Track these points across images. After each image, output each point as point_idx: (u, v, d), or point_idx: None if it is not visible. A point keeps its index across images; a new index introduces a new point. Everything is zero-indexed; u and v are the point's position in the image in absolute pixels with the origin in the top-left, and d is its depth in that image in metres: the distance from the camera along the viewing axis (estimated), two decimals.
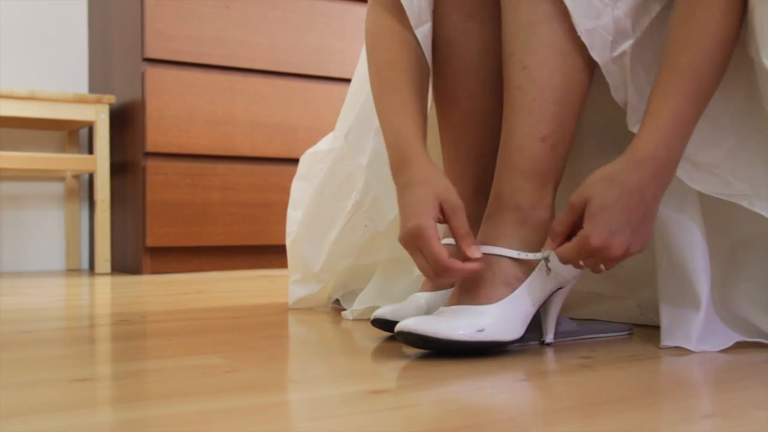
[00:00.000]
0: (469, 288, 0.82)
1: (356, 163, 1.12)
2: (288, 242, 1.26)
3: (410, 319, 0.78)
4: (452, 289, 0.93)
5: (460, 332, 0.77)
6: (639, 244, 0.78)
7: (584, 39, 0.81)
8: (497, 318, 0.79)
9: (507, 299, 0.80)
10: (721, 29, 0.79)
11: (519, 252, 0.81)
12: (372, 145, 1.09)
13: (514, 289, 0.81)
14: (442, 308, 0.82)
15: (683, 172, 0.84)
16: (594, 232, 0.76)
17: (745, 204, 0.82)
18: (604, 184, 0.77)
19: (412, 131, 0.84)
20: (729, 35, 0.80)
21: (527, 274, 0.82)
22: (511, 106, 0.84)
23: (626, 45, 0.84)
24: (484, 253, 0.82)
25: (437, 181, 0.80)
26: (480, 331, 0.77)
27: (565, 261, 0.80)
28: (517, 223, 0.83)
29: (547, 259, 0.81)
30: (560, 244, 0.80)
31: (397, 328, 0.78)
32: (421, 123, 0.86)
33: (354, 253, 1.13)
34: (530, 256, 0.81)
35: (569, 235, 0.80)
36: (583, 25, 0.81)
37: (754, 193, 0.82)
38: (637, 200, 0.76)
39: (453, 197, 0.80)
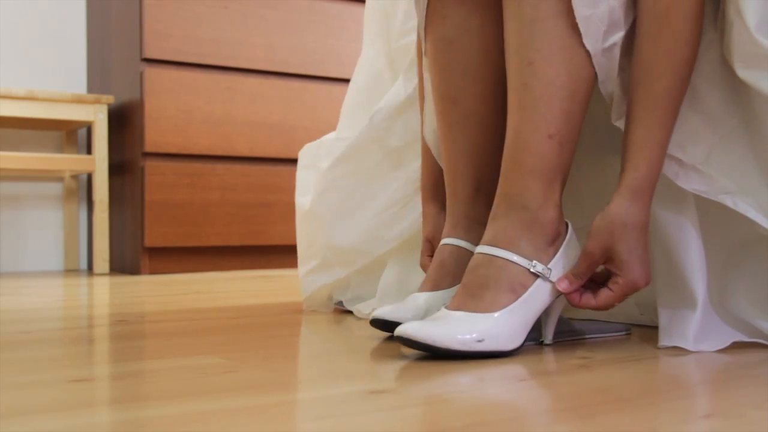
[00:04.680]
0: (473, 291, 0.81)
1: (388, 144, 1.13)
2: (300, 229, 1.24)
3: (409, 324, 0.78)
4: (452, 289, 0.93)
5: (459, 341, 0.76)
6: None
7: (580, 26, 0.80)
8: (499, 328, 0.78)
9: (510, 308, 0.79)
10: (688, 48, 0.82)
11: (529, 261, 0.81)
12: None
13: (518, 296, 0.80)
14: (444, 310, 0.81)
15: (670, 171, 0.84)
16: (638, 275, 0.81)
17: (729, 203, 0.83)
18: (621, 230, 0.81)
19: None
20: (694, 52, 0.83)
21: (532, 281, 0.81)
22: (517, 103, 0.83)
23: (617, 36, 0.83)
24: (491, 255, 0.81)
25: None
26: (480, 341, 0.77)
27: (604, 308, 0.83)
28: (526, 225, 0.82)
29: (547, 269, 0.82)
30: (576, 288, 0.83)
31: (396, 332, 0.78)
32: None
33: (399, 238, 1.12)
34: (539, 267, 0.81)
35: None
36: (580, 12, 0.80)
37: (737, 190, 0.83)
38: (646, 230, 0.82)
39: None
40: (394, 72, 1.20)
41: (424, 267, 1.04)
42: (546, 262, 0.82)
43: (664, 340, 0.85)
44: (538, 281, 0.81)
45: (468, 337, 0.76)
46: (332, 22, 2.44)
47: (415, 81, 1.14)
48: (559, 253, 0.83)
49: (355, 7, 2.47)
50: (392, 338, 0.93)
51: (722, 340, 0.84)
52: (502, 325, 0.78)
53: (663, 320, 0.86)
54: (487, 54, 0.93)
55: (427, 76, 0.99)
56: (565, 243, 0.84)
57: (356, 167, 1.17)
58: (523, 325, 0.80)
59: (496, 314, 0.79)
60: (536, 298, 0.81)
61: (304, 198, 1.25)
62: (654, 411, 0.58)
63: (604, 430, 0.52)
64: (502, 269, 0.81)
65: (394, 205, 1.13)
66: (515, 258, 0.81)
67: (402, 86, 1.15)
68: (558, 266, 0.82)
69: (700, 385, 0.70)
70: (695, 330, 0.83)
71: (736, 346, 0.84)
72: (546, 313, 0.85)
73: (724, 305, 0.89)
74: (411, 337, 0.76)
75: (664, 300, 0.87)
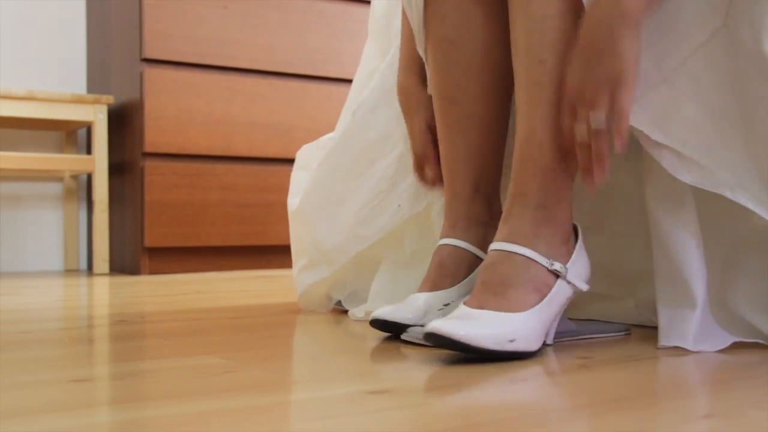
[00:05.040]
0: (495, 289, 0.79)
1: (366, 139, 1.13)
2: (291, 228, 1.24)
3: (441, 322, 0.76)
4: (452, 289, 0.93)
5: (493, 341, 0.75)
6: (608, 75, 0.77)
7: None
8: (528, 328, 0.77)
9: (537, 308, 0.79)
10: None
11: (547, 260, 0.80)
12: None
13: (543, 296, 0.79)
14: (465, 308, 0.79)
15: (668, 163, 0.83)
16: (568, 83, 0.79)
17: (728, 194, 0.81)
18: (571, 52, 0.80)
19: None
20: None
21: (554, 281, 0.81)
22: (528, 102, 0.83)
23: None
24: (510, 252, 0.80)
25: None
26: (512, 341, 0.76)
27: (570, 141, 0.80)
28: (542, 224, 0.81)
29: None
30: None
31: (427, 328, 0.76)
32: None
33: (377, 235, 1.11)
34: (557, 265, 0.80)
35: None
36: None
37: (736, 182, 0.82)
38: (596, 38, 0.77)
39: None
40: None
41: (420, 174, 1.05)
42: (563, 260, 0.82)
43: (664, 341, 0.85)
44: (560, 281, 0.81)
45: (502, 336, 0.75)
46: (332, 22, 2.44)
47: (393, 76, 1.14)
48: (574, 254, 0.83)
49: (355, 7, 2.47)
50: (392, 338, 0.93)
51: (722, 340, 0.84)
52: (532, 325, 0.78)
53: (663, 321, 0.86)
54: (487, 54, 0.93)
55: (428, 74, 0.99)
56: (578, 245, 0.84)
57: (337, 164, 1.17)
58: (547, 325, 0.80)
59: (526, 314, 0.78)
60: (557, 299, 0.81)
61: (294, 199, 1.25)
62: (654, 411, 0.58)
63: (604, 430, 0.52)
64: (522, 267, 0.80)
65: (371, 201, 1.12)
66: (536, 256, 0.80)
67: (381, 78, 1.15)
68: (575, 265, 0.82)
69: (700, 385, 0.70)
70: (695, 330, 0.83)
71: (736, 346, 0.84)
72: None
73: (725, 306, 0.89)
74: (447, 335, 0.74)
75: (663, 300, 0.87)
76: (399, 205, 1.08)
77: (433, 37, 0.95)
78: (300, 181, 1.26)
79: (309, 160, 1.27)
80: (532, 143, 0.82)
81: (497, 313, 0.78)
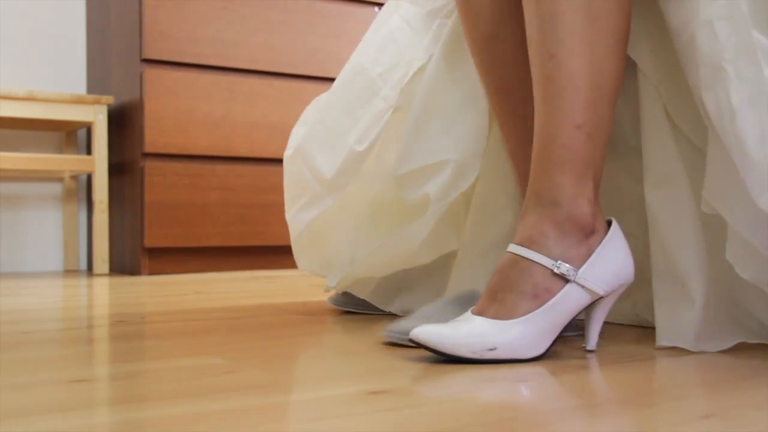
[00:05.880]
0: (496, 294, 0.79)
1: (372, 74, 1.14)
2: (286, 173, 1.22)
3: (424, 328, 0.77)
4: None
5: (468, 350, 0.75)
6: None
7: None
8: (514, 336, 0.76)
9: (529, 316, 0.77)
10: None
11: (554, 262, 0.78)
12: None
13: (542, 303, 0.77)
14: (468, 314, 0.80)
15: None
16: None
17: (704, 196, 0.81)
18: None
19: None
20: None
21: (560, 287, 0.78)
22: (542, 97, 0.82)
23: None
24: (517, 255, 0.79)
25: None
26: (491, 350, 0.76)
27: None
28: (556, 223, 0.79)
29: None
30: None
31: (410, 335, 0.78)
32: None
33: (370, 147, 1.11)
34: (563, 268, 0.77)
35: None
36: None
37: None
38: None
39: None
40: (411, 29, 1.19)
41: None
42: (578, 261, 0.79)
43: (663, 341, 0.85)
44: (568, 286, 0.78)
45: (478, 345, 0.76)
46: (332, 22, 2.44)
47: (399, 23, 1.15)
48: (595, 253, 0.79)
49: (355, 8, 2.47)
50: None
51: (723, 341, 0.84)
52: (519, 334, 0.76)
53: (662, 320, 0.86)
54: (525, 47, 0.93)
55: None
56: (603, 242, 0.80)
57: (341, 97, 1.17)
58: (545, 333, 0.78)
59: (510, 322, 0.77)
60: (564, 305, 0.78)
61: (289, 151, 1.24)
62: (653, 411, 0.58)
63: (604, 430, 0.52)
64: (524, 271, 0.78)
65: (370, 126, 1.13)
66: (540, 259, 0.78)
67: (384, 25, 1.16)
68: (593, 267, 0.79)
69: (699, 385, 0.70)
70: (694, 330, 0.83)
71: (736, 347, 0.84)
72: (589, 316, 0.82)
73: (735, 303, 0.88)
74: (422, 342, 0.77)
75: (662, 300, 0.87)
76: (383, 99, 1.10)
77: (471, 36, 0.96)
78: (297, 136, 1.25)
79: (308, 115, 1.27)
80: (545, 138, 0.81)
81: (487, 320, 0.77)
